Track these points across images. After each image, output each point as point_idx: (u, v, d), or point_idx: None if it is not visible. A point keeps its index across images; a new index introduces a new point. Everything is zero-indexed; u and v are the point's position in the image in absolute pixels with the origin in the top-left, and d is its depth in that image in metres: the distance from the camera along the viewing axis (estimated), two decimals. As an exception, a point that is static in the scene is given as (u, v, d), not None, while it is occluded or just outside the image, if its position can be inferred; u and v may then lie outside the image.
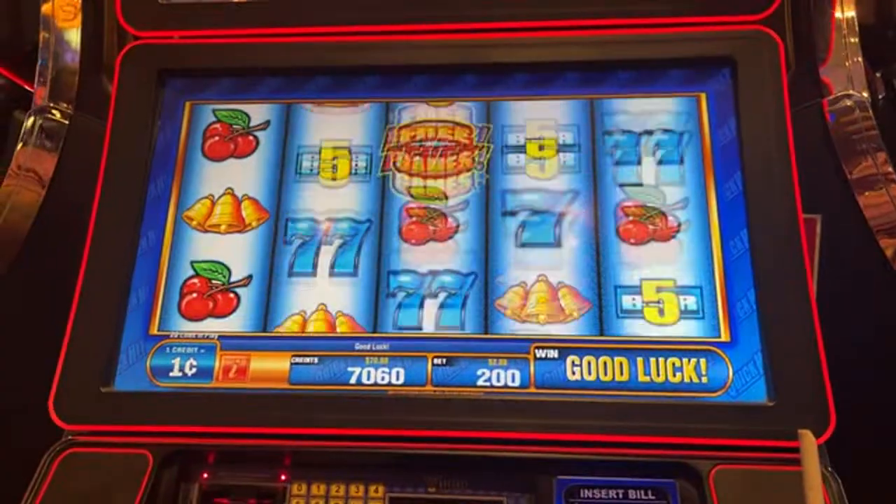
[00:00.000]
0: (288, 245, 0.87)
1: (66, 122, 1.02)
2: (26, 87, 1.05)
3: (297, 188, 0.89)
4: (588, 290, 0.82)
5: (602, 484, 0.74)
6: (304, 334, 0.82)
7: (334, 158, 0.90)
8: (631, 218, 0.85)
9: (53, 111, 1.02)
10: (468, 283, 0.84)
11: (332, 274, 0.85)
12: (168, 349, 0.82)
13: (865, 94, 0.94)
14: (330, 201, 0.88)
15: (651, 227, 0.84)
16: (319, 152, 0.90)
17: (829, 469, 0.73)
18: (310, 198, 0.89)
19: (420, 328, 0.82)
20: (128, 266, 0.85)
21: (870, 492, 0.73)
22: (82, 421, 0.79)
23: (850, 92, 0.94)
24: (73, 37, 1.05)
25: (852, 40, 0.95)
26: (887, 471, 0.87)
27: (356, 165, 0.90)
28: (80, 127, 1.02)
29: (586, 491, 0.74)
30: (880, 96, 0.96)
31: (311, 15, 0.93)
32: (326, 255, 0.86)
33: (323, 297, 0.84)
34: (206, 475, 0.78)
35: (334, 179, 0.89)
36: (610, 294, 0.82)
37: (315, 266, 0.86)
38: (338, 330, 0.83)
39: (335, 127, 0.91)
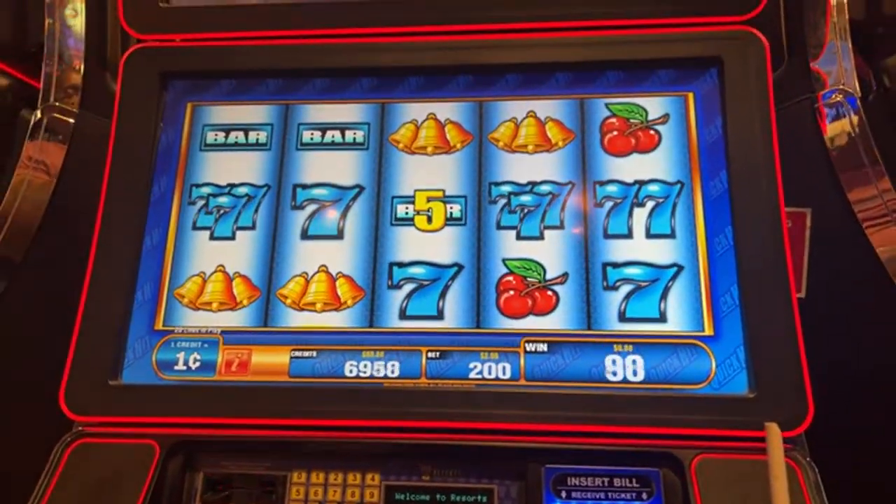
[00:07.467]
0: (299, 210, 0.90)
1: (72, 119, 1.05)
2: (33, 86, 1.08)
3: (299, 156, 0.92)
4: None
5: (589, 472, 0.77)
6: (303, 329, 0.85)
7: (332, 135, 0.93)
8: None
9: (59, 109, 1.05)
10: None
11: (334, 237, 0.89)
12: (173, 344, 0.85)
13: (857, 89, 0.95)
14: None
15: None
16: (320, 129, 0.94)
17: (808, 459, 0.75)
18: (313, 166, 0.92)
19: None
20: (133, 264, 0.88)
21: (849, 482, 0.76)
22: (92, 413, 0.82)
23: (842, 87, 0.96)
24: (78, 36, 1.08)
25: (844, 37, 0.97)
26: (867, 462, 0.90)
27: (355, 136, 0.93)
28: (86, 123, 1.06)
29: (573, 479, 0.77)
30: (870, 96, 0.97)
31: (309, 18, 0.95)
32: (330, 219, 0.90)
33: (323, 259, 0.88)
34: (210, 464, 0.81)
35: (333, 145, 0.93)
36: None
37: (321, 229, 0.89)
38: (338, 291, 0.86)
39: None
